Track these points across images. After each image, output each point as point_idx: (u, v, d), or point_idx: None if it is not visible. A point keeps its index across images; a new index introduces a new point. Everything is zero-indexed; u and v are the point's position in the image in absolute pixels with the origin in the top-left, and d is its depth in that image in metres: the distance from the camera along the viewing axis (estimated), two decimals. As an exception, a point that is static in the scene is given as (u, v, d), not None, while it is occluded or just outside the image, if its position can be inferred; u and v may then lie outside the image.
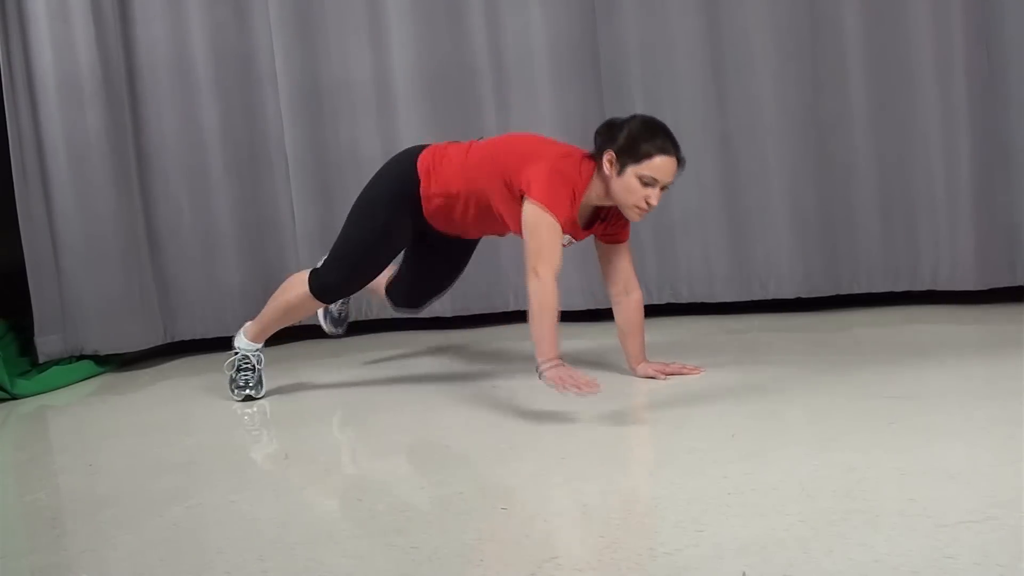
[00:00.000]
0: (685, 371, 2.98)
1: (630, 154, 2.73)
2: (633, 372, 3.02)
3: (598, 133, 2.83)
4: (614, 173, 2.75)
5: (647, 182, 2.72)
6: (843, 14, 3.58)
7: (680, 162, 2.77)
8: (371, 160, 3.99)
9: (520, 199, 2.77)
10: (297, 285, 3.10)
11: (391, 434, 2.76)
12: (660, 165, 2.72)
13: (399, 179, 2.99)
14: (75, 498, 2.45)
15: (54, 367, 3.80)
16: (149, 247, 3.98)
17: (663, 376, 2.96)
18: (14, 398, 3.58)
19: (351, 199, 3.93)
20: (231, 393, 3.18)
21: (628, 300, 3.01)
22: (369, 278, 3.15)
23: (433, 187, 2.93)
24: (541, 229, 2.72)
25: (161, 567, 1.91)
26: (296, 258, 4.07)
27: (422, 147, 3.04)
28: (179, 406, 3.28)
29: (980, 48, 3.44)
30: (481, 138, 3.08)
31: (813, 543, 1.70)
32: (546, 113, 3.85)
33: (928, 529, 1.71)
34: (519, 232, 2.81)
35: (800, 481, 2.01)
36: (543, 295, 2.67)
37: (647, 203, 2.74)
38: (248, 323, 3.24)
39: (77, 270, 3.85)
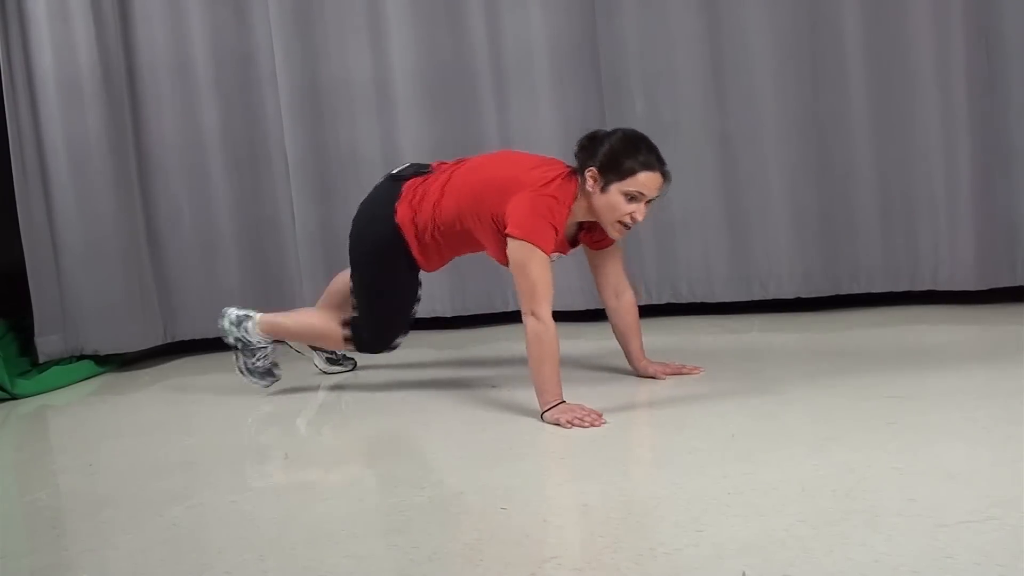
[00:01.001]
0: (685, 371, 2.98)
1: (613, 171, 2.67)
2: (635, 372, 3.02)
3: (580, 148, 2.77)
4: (597, 190, 2.69)
5: (632, 197, 2.67)
6: (843, 14, 3.58)
7: (665, 176, 2.72)
8: (371, 160, 4.00)
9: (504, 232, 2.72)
10: (336, 330, 3.10)
11: (391, 434, 2.76)
12: (645, 181, 2.67)
13: (385, 241, 2.93)
14: (75, 498, 2.45)
15: (54, 367, 3.80)
16: (149, 247, 3.98)
17: (664, 375, 2.96)
18: (14, 398, 3.59)
19: (351, 199, 3.95)
20: (259, 382, 3.21)
21: (620, 303, 2.99)
22: (403, 326, 3.10)
23: (421, 238, 2.90)
24: (531, 266, 2.65)
25: (161, 567, 1.91)
26: (296, 258, 4.07)
27: (395, 194, 2.94)
28: (179, 406, 3.28)
29: (980, 48, 3.44)
30: (450, 161, 2.99)
31: (813, 543, 1.71)
32: (546, 113, 3.85)
33: (928, 529, 1.71)
34: (501, 260, 2.78)
35: (800, 481, 2.01)
36: (546, 339, 2.62)
37: (632, 219, 2.69)
38: (260, 316, 3.18)
39: (77, 270, 3.85)
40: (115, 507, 2.29)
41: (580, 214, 2.78)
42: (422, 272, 3.06)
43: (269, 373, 3.22)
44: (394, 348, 3.13)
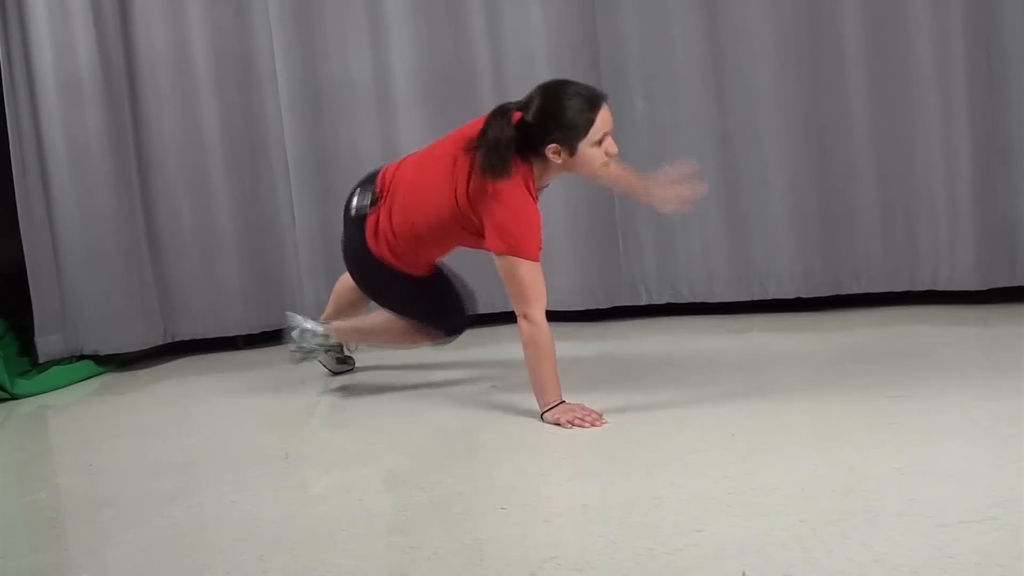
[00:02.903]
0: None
1: (574, 133, 2.63)
2: (651, 201, 2.99)
3: (496, 117, 2.69)
4: (566, 157, 2.65)
5: (601, 140, 2.65)
6: (843, 14, 3.57)
7: (606, 99, 2.69)
8: (371, 160, 3.99)
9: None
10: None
11: (390, 434, 2.76)
12: (602, 123, 2.64)
13: (379, 270, 2.92)
14: (75, 498, 2.45)
15: (54, 367, 3.80)
16: (149, 247, 3.98)
17: (673, 191, 2.90)
18: (14, 398, 3.58)
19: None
20: (333, 369, 3.43)
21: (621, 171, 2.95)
22: (455, 307, 3.09)
23: (403, 259, 2.88)
24: (519, 272, 2.63)
25: (161, 567, 1.91)
26: (296, 258, 4.07)
27: (361, 234, 2.91)
28: (179, 406, 3.28)
29: (980, 48, 3.43)
30: (392, 166, 2.97)
31: (813, 543, 1.71)
32: (546, 113, 3.84)
33: (928, 529, 1.71)
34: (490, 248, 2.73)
35: (800, 481, 2.01)
36: (540, 340, 2.61)
37: (610, 155, 2.68)
38: (337, 322, 3.24)
39: (77, 270, 3.85)
40: (115, 507, 2.29)
41: (547, 177, 2.76)
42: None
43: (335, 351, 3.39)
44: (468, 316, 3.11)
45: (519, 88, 3.86)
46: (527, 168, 2.70)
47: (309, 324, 3.24)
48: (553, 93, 2.68)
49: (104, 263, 3.85)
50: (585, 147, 2.65)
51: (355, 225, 2.96)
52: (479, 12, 3.88)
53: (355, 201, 2.98)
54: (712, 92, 3.72)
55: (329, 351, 3.39)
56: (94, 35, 3.81)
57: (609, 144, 2.67)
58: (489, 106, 3.85)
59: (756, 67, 3.67)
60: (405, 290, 2.98)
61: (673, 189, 2.91)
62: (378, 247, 2.89)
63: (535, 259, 2.64)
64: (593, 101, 2.64)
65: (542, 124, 2.65)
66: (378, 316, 3.13)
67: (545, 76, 3.82)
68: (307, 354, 3.24)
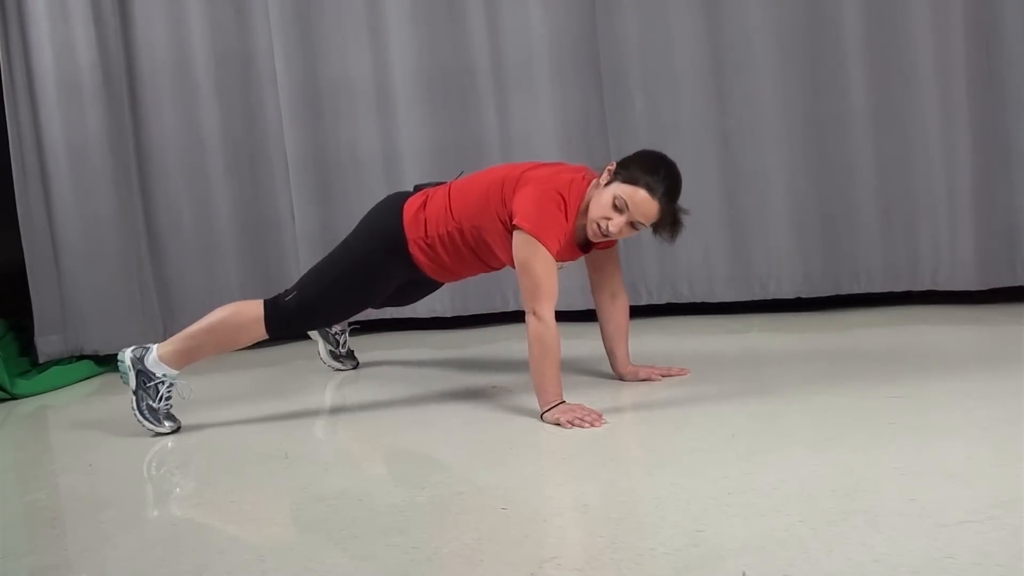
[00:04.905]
0: (674, 372, 2.98)
1: (623, 172, 2.66)
2: (620, 377, 2.99)
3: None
4: (604, 180, 2.68)
5: (618, 206, 2.64)
6: (843, 14, 3.58)
7: (665, 213, 2.66)
8: (371, 160, 4.00)
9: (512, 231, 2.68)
10: (246, 310, 2.90)
11: (390, 434, 2.76)
12: (636, 196, 2.62)
13: (387, 237, 2.85)
14: (75, 498, 2.45)
15: (54, 367, 3.81)
16: (149, 247, 3.98)
17: (658, 376, 2.95)
18: (14, 398, 3.59)
19: (351, 199, 3.96)
20: (153, 424, 2.86)
21: (615, 305, 2.98)
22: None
23: (423, 237, 2.82)
24: (535, 264, 2.62)
25: (161, 567, 1.92)
26: (296, 258, 4.07)
27: (405, 196, 2.92)
28: (178, 406, 3.27)
29: (980, 48, 3.44)
30: (461, 174, 2.96)
31: (813, 543, 1.71)
32: (546, 113, 3.85)
33: (928, 529, 1.71)
34: (513, 264, 2.72)
35: (800, 481, 2.01)
36: (546, 339, 2.61)
37: (605, 225, 2.64)
38: (156, 345, 2.91)
39: (77, 270, 3.86)
40: (115, 507, 2.29)
41: (590, 210, 2.73)
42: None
43: (171, 417, 2.89)
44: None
45: (519, 88, 3.88)
46: (584, 189, 2.73)
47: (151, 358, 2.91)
48: (660, 156, 2.74)
49: (104, 263, 3.86)
50: (612, 190, 2.65)
51: (406, 192, 2.98)
52: (479, 12, 3.88)
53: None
54: (712, 92, 3.72)
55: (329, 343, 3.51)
56: (94, 35, 3.81)
57: (618, 220, 2.64)
58: (489, 106, 3.91)
59: (756, 67, 3.67)
60: (371, 260, 2.87)
61: (655, 375, 2.97)
62: (409, 213, 2.84)
63: (552, 251, 2.64)
64: (652, 186, 2.64)
65: (629, 156, 2.73)
66: (213, 329, 2.89)
67: (545, 76, 3.86)
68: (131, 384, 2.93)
